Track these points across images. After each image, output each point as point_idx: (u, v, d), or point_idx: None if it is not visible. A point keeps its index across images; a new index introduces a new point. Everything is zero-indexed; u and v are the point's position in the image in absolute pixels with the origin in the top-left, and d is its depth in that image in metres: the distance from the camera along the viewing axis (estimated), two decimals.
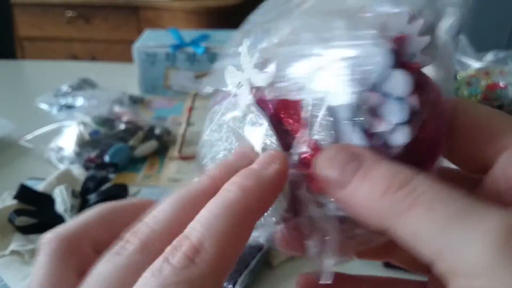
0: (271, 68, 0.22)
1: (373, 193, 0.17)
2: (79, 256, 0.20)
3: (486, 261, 0.15)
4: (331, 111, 0.19)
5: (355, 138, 0.19)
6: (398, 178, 0.17)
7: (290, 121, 0.21)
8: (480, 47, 0.89)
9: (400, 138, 0.19)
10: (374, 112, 0.19)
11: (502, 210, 0.16)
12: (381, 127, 0.19)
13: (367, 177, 0.18)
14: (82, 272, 0.19)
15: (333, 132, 0.19)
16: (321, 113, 0.19)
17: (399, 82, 0.19)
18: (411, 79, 0.19)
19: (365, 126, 0.19)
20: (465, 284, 0.15)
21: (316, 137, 0.20)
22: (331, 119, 0.19)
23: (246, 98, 0.23)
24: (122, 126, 0.79)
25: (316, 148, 0.20)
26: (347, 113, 0.19)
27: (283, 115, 0.21)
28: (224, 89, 0.25)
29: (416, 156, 0.19)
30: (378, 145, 0.19)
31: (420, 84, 0.19)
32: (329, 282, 0.20)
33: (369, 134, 0.19)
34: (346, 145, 0.19)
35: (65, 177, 0.65)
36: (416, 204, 0.16)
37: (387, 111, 0.19)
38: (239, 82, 0.23)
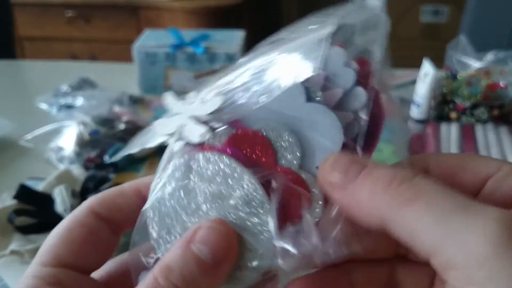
0: (216, 98, 0.22)
1: (375, 188, 0.18)
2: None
3: (486, 252, 0.15)
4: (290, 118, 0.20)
5: (325, 117, 0.20)
6: (401, 175, 0.18)
7: (258, 155, 0.21)
8: (480, 47, 0.89)
9: (358, 99, 0.20)
10: (328, 88, 0.20)
11: (498, 208, 0.16)
12: (337, 94, 0.20)
13: (370, 174, 0.18)
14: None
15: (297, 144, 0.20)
16: (285, 134, 0.20)
17: (339, 55, 0.20)
18: (347, 53, 0.20)
19: (325, 102, 0.20)
20: (464, 276, 0.16)
21: (283, 161, 0.20)
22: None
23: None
24: (122, 126, 0.79)
25: (290, 172, 0.20)
26: (302, 97, 0.20)
27: (246, 150, 0.21)
28: (151, 145, 0.24)
29: (372, 126, 0.21)
30: (348, 114, 0.20)
31: (359, 60, 0.21)
32: None
33: (333, 107, 0.20)
34: (346, 153, 0.20)
35: (64, 177, 0.65)
36: (416, 198, 0.17)
37: (338, 80, 0.20)
38: (179, 126, 0.23)
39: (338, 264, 0.22)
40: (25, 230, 0.58)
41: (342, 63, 0.21)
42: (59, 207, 0.60)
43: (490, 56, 0.87)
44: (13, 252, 0.55)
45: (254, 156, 0.21)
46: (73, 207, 0.60)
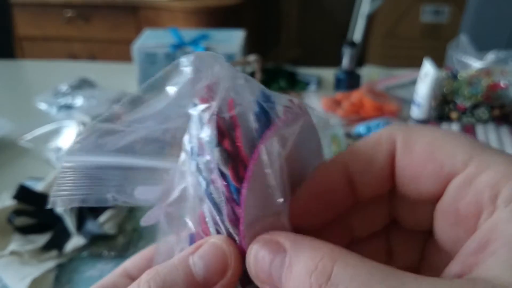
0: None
1: (300, 284, 0.18)
2: None
3: None
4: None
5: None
6: (318, 272, 0.17)
7: None
8: (481, 47, 0.89)
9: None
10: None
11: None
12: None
13: (292, 273, 0.18)
14: None
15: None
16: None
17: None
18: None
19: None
20: None
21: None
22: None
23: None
24: None
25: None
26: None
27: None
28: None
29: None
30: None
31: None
32: None
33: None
34: (265, 238, 0.19)
35: None
36: None
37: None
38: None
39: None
40: (24, 230, 0.58)
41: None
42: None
43: (490, 56, 0.87)
44: (12, 253, 0.55)
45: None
46: (72, 207, 0.59)
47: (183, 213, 0.21)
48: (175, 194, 0.21)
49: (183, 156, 0.21)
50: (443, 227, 0.20)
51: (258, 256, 0.19)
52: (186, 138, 0.21)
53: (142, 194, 0.21)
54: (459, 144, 0.19)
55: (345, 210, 0.22)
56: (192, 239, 0.21)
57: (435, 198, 0.20)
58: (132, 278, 0.23)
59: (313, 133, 0.22)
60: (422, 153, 0.20)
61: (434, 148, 0.20)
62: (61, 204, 0.20)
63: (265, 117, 0.20)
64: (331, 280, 0.17)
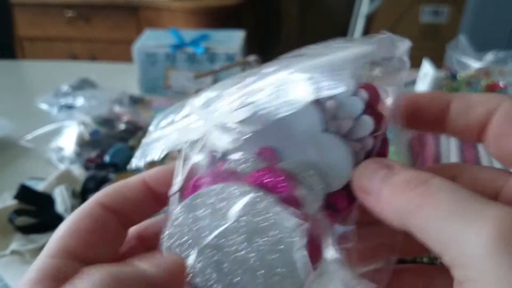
0: (244, 108, 0.21)
1: (395, 193, 0.19)
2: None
3: (480, 253, 0.16)
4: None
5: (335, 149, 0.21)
6: (417, 179, 0.19)
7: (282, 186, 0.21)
8: (480, 47, 0.89)
9: (366, 128, 0.21)
10: (337, 117, 0.21)
11: (501, 207, 0.17)
12: (347, 125, 0.21)
13: (391, 179, 0.20)
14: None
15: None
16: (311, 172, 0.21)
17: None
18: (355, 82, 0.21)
19: (335, 131, 0.21)
20: (463, 275, 0.17)
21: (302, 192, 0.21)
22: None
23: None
24: (122, 126, 0.80)
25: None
26: (319, 127, 0.21)
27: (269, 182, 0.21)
28: (165, 152, 0.24)
29: (379, 148, 0.22)
30: (356, 145, 0.21)
31: (366, 86, 0.22)
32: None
33: (341, 136, 0.21)
34: (376, 158, 0.21)
35: (65, 177, 0.66)
36: (427, 201, 0.18)
37: (347, 109, 0.21)
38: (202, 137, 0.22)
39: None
40: (25, 230, 0.59)
41: (349, 91, 0.21)
42: (59, 207, 0.60)
43: (489, 56, 0.87)
44: (13, 252, 0.55)
45: (282, 193, 0.21)
46: (73, 207, 0.60)
47: None
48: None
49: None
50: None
51: (367, 166, 0.21)
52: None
53: None
54: None
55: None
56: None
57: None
58: (108, 208, 0.23)
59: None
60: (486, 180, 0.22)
61: (496, 180, 0.21)
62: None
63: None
64: (428, 183, 0.18)
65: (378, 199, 0.20)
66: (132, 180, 0.25)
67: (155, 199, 0.24)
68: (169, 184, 0.23)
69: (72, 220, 0.23)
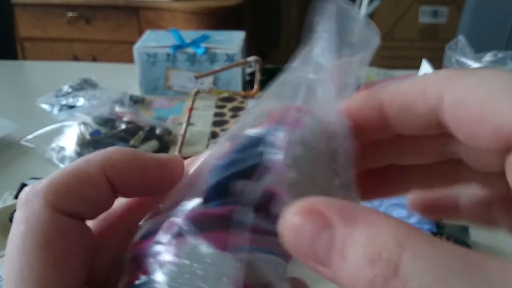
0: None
1: (354, 272, 0.15)
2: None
3: None
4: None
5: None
6: (384, 262, 0.14)
7: None
8: (479, 48, 0.90)
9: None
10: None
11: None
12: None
13: (348, 261, 0.15)
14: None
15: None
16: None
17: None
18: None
19: None
20: None
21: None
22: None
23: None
24: (122, 126, 0.80)
25: None
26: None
27: None
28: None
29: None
30: None
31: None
32: None
33: None
34: (307, 206, 0.16)
35: None
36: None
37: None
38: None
39: None
40: None
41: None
42: None
43: (489, 57, 0.88)
44: None
45: None
46: None
47: None
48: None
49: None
50: None
51: (298, 226, 0.16)
52: None
53: None
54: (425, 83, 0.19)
55: (383, 140, 0.22)
56: None
57: (500, 153, 0.18)
58: (66, 213, 0.19)
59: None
60: (476, 115, 0.17)
61: (488, 108, 0.17)
62: None
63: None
64: (400, 273, 0.14)
65: (338, 275, 0.15)
66: (90, 173, 0.19)
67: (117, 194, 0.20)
68: (135, 184, 0.20)
69: (30, 242, 0.18)
